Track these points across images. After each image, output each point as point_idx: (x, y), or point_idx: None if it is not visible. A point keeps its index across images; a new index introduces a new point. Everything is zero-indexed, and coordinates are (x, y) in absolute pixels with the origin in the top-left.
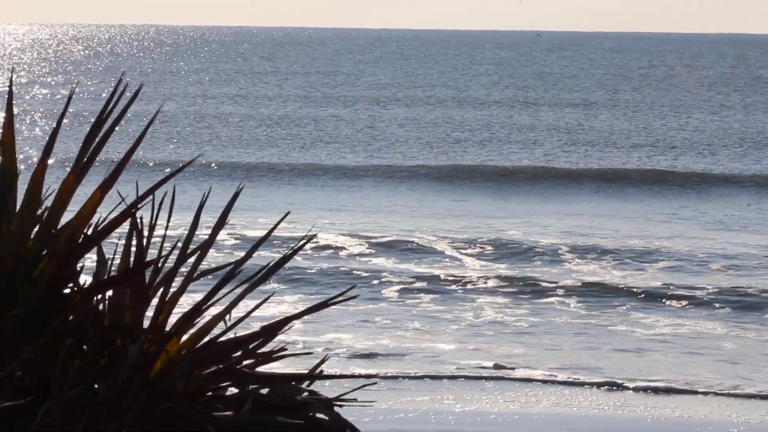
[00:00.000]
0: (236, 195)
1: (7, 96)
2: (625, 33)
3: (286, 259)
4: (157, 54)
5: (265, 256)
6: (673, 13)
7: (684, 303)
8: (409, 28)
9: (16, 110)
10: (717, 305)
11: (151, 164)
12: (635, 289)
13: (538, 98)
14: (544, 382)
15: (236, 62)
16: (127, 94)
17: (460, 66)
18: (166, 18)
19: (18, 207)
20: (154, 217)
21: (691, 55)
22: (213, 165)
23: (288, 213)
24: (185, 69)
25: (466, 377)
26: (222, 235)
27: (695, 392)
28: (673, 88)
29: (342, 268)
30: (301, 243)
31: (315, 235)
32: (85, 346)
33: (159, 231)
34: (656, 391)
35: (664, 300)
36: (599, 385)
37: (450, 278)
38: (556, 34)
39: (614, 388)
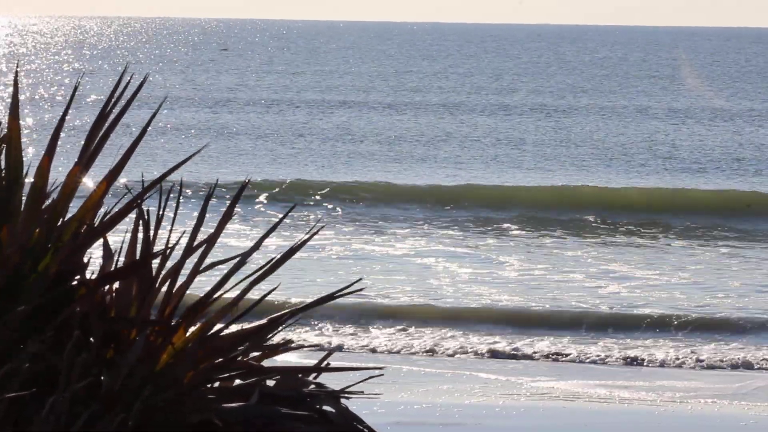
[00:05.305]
0: (243, 186)
1: (12, 89)
2: (623, 26)
3: (294, 250)
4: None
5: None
6: (667, 6)
7: None
8: (407, 21)
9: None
10: None
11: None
12: None
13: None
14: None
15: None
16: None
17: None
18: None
19: (24, 200)
20: (161, 208)
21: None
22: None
23: (295, 205)
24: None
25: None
26: None
27: None
28: None
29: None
30: (310, 234)
31: (323, 226)
32: (91, 339)
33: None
34: None
35: None
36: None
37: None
38: (559, 27)
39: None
